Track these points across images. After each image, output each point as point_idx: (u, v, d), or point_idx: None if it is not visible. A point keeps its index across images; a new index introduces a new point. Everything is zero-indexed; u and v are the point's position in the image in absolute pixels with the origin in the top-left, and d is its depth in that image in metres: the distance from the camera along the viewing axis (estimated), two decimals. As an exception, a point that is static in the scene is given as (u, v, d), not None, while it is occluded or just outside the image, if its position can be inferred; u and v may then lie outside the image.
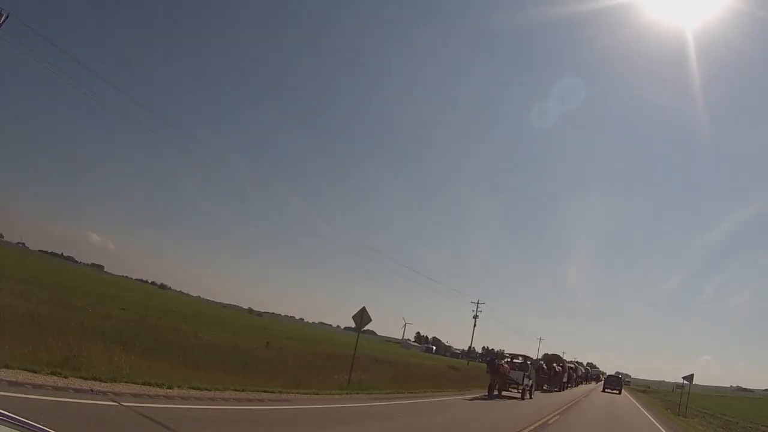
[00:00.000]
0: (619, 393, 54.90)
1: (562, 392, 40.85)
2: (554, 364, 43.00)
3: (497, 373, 25.33)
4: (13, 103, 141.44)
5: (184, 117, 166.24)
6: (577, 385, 56.99)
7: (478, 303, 70.93)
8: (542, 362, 42.88)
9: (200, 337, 24.32)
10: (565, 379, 45.33)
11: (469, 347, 76.15)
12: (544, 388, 38.80)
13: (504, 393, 26.88)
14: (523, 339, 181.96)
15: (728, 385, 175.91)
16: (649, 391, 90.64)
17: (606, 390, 55.43)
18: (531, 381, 28.56)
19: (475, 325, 70.99)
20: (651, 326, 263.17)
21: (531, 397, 27.82)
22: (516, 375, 27.12)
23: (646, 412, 33.81)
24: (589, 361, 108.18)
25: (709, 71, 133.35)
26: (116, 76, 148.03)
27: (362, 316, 18.23)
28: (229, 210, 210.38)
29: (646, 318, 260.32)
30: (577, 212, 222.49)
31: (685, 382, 37.17)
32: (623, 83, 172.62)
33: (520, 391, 27.24)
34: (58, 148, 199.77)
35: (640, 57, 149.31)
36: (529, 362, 29.87)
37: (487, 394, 25.39)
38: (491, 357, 29.12)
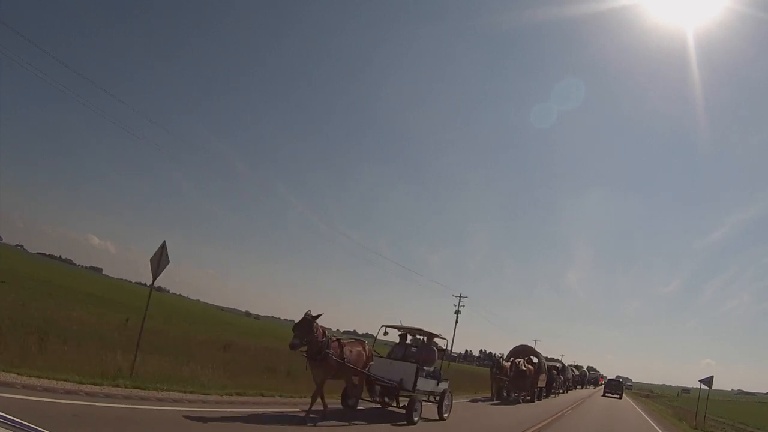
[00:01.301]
0: (620, 397, 50.54)
1: (534, 403, 26.45)
2: (521, 361, 26.86)
3: (322, 362, 10.38)
4: (13, 106, 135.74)
5: (184, 119, 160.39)
6: (566, 390, 43.48)
7: (460, 297, 62.22)
8: (500, 357, 27.00)
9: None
10: (542, 384, 30.47)
11: (450, 346, 67.66)
12: (513, 396, 25.74)
13: (392, 406, 13.25)
14: (521, 341, 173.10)
15: (729, 389, 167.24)
16: (652, 396, 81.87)
17: (606, 394, 51.03)
18: (445, 387, 13.96)
19: (456, 321, 62.04)
20: (651, 329, 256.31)
21: (443, 417, 13.41)
22: (397, 371, 12.61)
23: (657, 427, 25.63)
24: (589, 365, 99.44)
25: (709, 73, 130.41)
26: (120, 80, 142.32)
27: (161, 257, 11.36)
28: (230, 214, 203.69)
29: (646, 321, 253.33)
30: (577, 213, 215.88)
31: (703, 386, 28.95)
32: (623, 84, 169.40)
33: (420, 404, 12.68)
34: (59, 150, 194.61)
35: (641, 59, 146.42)
36: (435, 346, 14.32)
37: (341, 404, 12.32)
38: (307, 317, 10.12)
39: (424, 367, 13.34)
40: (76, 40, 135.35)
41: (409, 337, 14.52)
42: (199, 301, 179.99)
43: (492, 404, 22.80)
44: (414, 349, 14.07)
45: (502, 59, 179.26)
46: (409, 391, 12.68)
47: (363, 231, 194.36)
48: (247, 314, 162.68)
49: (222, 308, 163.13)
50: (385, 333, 13.76)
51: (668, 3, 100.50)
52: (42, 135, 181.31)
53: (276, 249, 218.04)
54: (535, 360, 30.27)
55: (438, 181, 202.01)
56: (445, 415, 13.69)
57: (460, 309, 60.64)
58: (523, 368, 26.00)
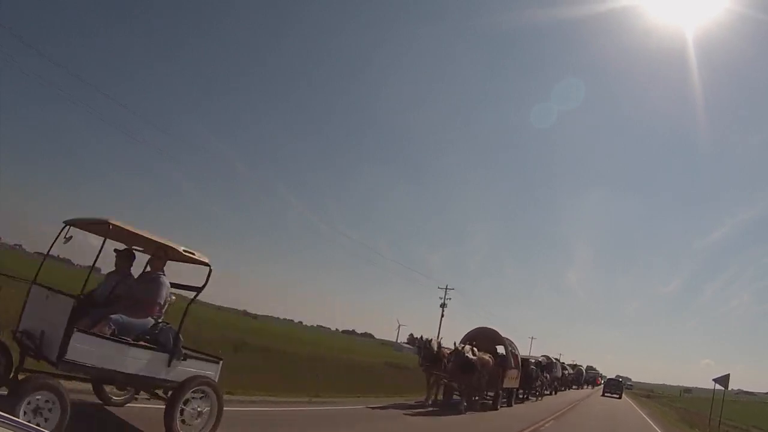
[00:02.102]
0: (620, 397, 48.85)
1: (497, 411, 18.41)
2: (467, 346, 17.12)
3: None
4: (13, 106, 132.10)
5: (184, 120, 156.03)
6: (555, 392, 35.54)
7: (446, 289, 58.06)
8: (429, 340, 17.16)
9: None
10: (513, 384, 20.71)
11: (438, 342, 63.57)
12: (467, 402, 17.07)
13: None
14: (521, 342, 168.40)
15: (729, 389, 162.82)
16: (653, 396, 77.55)
17: (606, 394, 49.52)
18: (192, 373, 6.30)
19: (442, 315, 58.14)
20: (651, 329, 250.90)
21: None
22: (43, 315, 5.66)
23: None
24: (589, 364, 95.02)
25: (709, 73, 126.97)
26: (120, 81, 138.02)
27: None
28: (230, 214, 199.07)
29: (646, 321, 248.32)
30: (577, 213, 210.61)
31: (718, 386, 24.68)
32: (623, 84, 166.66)
33: (62, 397, 5.00)
34: (59, 150, 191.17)
35: (641, 59, 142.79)
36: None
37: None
38: None
39: (123, 316, 6.05)
40: (75, 41, 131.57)
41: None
42: (196, 300, 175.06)
43: (411, 414, 13.93)
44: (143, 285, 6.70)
45: (502, 59, 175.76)
46: (50, 362, 5.31)
47: (363, 231, 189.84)
48: (245, 313, 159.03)
49: (219, 307, 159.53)
50: (67, 238, 6.34)
51: (668, 4, 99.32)
52: (42, 135, 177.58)
53: (276, 249, 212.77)
54: (501, 350, 19.99)
55: (438, 181, 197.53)
56: None
57: (446, 302, 56.51)
58: (470, 356, 16.30)
